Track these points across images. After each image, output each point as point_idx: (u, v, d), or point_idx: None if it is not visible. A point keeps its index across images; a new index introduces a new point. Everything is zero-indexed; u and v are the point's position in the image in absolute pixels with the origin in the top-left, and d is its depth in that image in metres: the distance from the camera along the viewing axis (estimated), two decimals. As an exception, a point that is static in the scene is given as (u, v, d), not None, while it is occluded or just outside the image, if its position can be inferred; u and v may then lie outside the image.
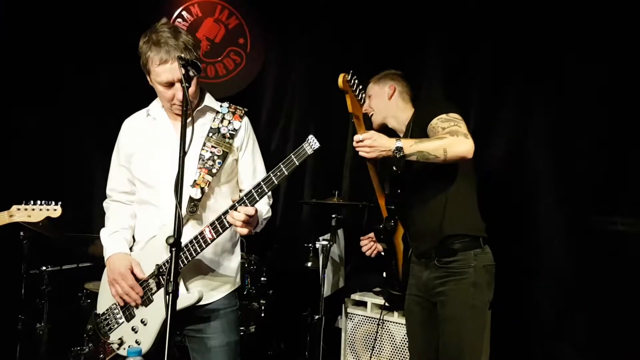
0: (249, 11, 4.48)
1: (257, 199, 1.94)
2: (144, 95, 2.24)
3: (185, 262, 2.02)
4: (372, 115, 2.67)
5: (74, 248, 3.57)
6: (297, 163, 1.89)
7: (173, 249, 1.63)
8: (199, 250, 2.02)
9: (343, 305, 3.67)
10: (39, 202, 2.45)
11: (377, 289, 3.61)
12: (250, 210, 1.93)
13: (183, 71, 1.85)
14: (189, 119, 1.78)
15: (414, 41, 3.85)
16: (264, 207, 2.18)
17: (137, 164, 2.19)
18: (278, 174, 1.90)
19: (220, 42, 4.41)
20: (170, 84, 2.03)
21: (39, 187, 2.59)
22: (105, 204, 2.34)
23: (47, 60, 4.13)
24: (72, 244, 3.55)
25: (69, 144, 4.33)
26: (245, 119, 2.24)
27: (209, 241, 2.01)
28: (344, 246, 3.72)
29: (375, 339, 3.44)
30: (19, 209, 2.44)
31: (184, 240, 1.92)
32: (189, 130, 1.75)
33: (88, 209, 4.22)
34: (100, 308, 2.23)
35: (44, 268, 3.49)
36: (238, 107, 2.25)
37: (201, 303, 2.09)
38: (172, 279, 1.59)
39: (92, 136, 4.28)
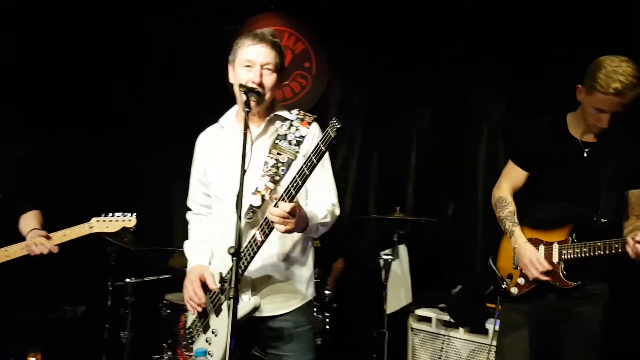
0: (314, 37, 4.67)
1: (294, 193, 1.89)
2: (219, 111, 2.36)
3: (243, 267, 2.02)
4: None
5: (155, 261, 3.77)
6: (323, 149, 1.86)
7: (234, 259, 1.74)
8: (252, 254, 2.02)
9: (408, 320, 3.69)
10: (116, 213, 2.62)
11: (442, 305, 3.61)
12: (286, 206, 1.88)
13: (244, 97, 2.02)
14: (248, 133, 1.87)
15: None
16: (320, 211, 2.12)
17: (209, 176, 2.25)
18: (309, 164, 1.88)
19: (287, 66, 4.62)
20: (250, 66, 2.09)
21: (123, 204, 2.80)
22: (187, 216, 2.41)
23: (132, 82, 4.52)
24: (153, 257, 3.75)
25: (152, 162, 4.69)
26: (314, 125, 2.19)
27: (260, 243, 2.00)
28: (407, 262, 3.75)
29: (440, 356, 3.43)
30: (97, 221, 2.59)
31: (243, 247, 1.99)
32: (249, 148, 1.86)
33: (168, 224, 4.56)
34: (189, 320, 2.27)
35: (128, 280, 3.73)
36: (308, 114, 2.21)
37: (272, 314, 2.12)
38: (232, 286, 1.70)
39: (171, 154, 4.58)
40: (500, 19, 3.80)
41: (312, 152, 1.88)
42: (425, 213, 3.59)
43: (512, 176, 2.62)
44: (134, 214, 2.62)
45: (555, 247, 2.41)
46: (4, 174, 2.60)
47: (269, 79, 2.12)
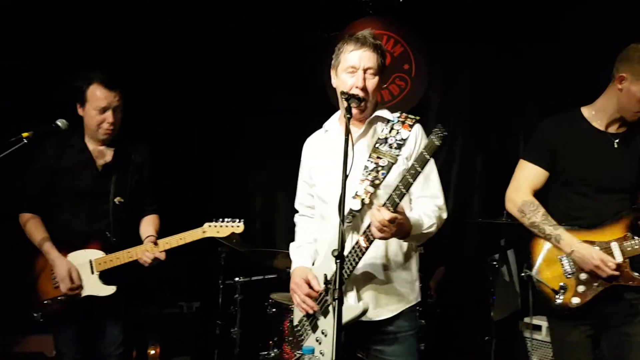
0: (413, 38, 4.63)
1: (398, 201, 1.89)
2: (323, 116, 2.43)
3: (348, 272, 2.06)
4: None
5: (261, 261, 3.92)
6: (428, 157, 1.84)
7: (337, 261, 1.78)
8: (357, 259, 2.04)
9: (517, 328, 3.56)
10: (226, 219, 2.77)
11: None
12: (386, 214, 1.88)
13: (345, 104, 2.06)
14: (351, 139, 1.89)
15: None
16: (427, 220, 2.09)
17: (314, 179, 2.30)
18: (413, 172, 1.87)
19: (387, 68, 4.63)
20: (353, 71, 2.12)
21: (232, 209, 2.96)
22: (295, 217, 2.47)
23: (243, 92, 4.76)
24: (260, 258, 3.91)
25: (256, 171, 4.92)
26: (416, 127, 2.17)
27: (364, 249, 2.02)
28: (515, 268, 3.62)
29: (552, 365, 3.28)
30: (210, 226, 2.76)
31: (346, 251, 2.00)
32: (350, 152, 1.89)
33: (272, 227, 4.75)
34: (295, 319, 2.31)
35: (237, 279, 3.92)
36: (409, 116, 2.19)
37: (377, 318, 2.13)
38: (337, 287, 1.74)
39: (275, 162, 4.78)
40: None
41: (415, 161, 1.87)
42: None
43: (531, 178, 2.45)
44: (242, 220, 2.76)
45: (615, 245, 2.25)
46: (124, 181, 2.82)
47: (372, 82, 2.15)
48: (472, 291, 3.75)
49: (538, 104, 4.05)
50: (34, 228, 2.74)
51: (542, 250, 2.39)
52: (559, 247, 2.34)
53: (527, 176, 2.47)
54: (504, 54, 4.13)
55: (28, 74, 3.74)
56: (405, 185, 1.89)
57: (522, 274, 2.41)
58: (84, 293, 2.72)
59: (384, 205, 1.92)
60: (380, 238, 1.95)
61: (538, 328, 3.45)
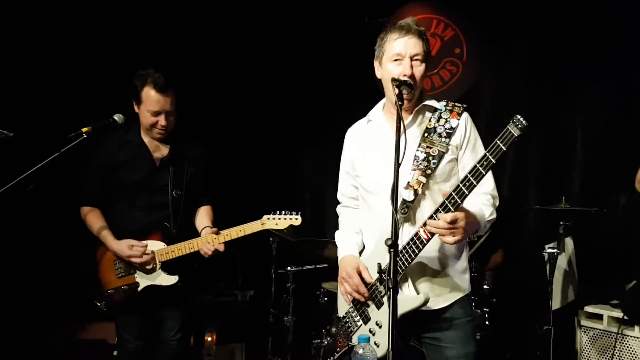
0: (464, 21, 4.51)
1: (467, 193, 1.85)
2: (369, 106, 2.41)
3: (406, 263, 2.03)
4: None
5: (312, 251, 3.95)
6: (504, 148, 1.75)
7: (391, 250, 1.75)
8: (416, 251, 2.01)
9: (576, 317, 3.45)
10: (284, 212, 2.80)
11: (615, 302, 3.33)
12: (446, 217, 1.84)
13: (397, 91, 2.01)
14: (402, 129, 1.83)
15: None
16: (486, 209, 2.06)
17: (358, 169, 2.27)
18: (485, 163, 1.80)
19: (436, 55, 4.54)
20: (399, 59, 2.07)
21: (284, 201, 3.00)
22: (337, 208, 2.47)
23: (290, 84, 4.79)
24: (310, 248, 3.93)
25: (307, 164, 4.98)
26: (465, 115, 2.14)
27: (425, 242, 1.99)
28: (574, 255, 3.50)
29: (613, 355, 3.16)
30: (268, 218, 2.80)
31: (400, 243, 1.98)
32: (402, 143, 1.82)
33: (322, 217, 4.78)
34: (341, 311, 2.30)
35: (288, 268, 3.98)
36: (457, 104, 2.17)
37: (433, 307, 2.09)
38: (391, 277, 1.71)
39: (322, 152, 4.79)
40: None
41: (489, 151, 1.80)
42: (594, 203, 3.30)
43: None
44: (299, 213, 2.80)
45: None
46: (180, 174, 2.89)
47: (419, 69, 2.10)
48: (529, 280, 3.66)
49: (597, 86, 3.85)
50: (94, 220, 2.85)
51: None
52: None
53: None
54: (561, 34, 3.95)
55: (85, 71, 3.88)
56: (477, 176, 1.83)
57: None
58: (148, 283, 2.81)
59: (443, 206, 1.88)
60: (455, 242, 1.91)
61: (599, 317, 3.35)
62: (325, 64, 4.74)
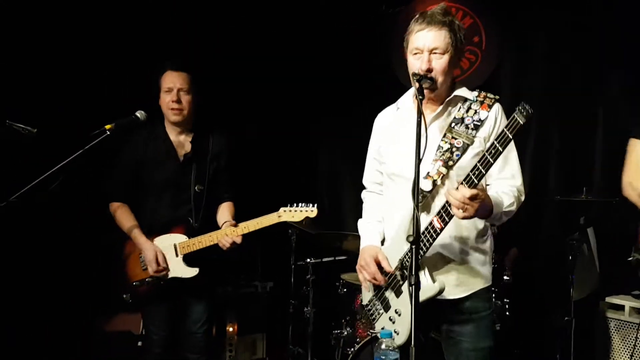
0: (483, 9, 4.45)
1: (476, 181, 1.85)
2: (387, 94, 2.42)
3: (421, 253, 2.01)
4: None
5: (331, 243, 3.96)
6: (510, 136, 1.77)
7: (413, 247, 1.75)
8: (431, 240, 2.01)
9: (597, 308, 3.44)
10: (300, 204, 2.83)
11: (637, 292, 3.31)
12: (466, 192, 1.83)
13: (417, 85, 2.00)
14: (423, 124, 1.85)
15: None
16: (506, 198, 2.04)
17: (384, 157, 2.28)
18: (493, 151, 1.81)
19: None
20: (418, 52, 2.06)
21: (303, 194, 3.02)
22: (362, 194, 2.47)
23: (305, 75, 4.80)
24: (329, 240, 3.95)
25: (324, 154, 5.01)
26: (495, 107, 2.10)
27: (439, 230, 1.99)
28: (595, 246, 3.48)
29: (635, 346, 3.15)
30: (285, 211, 2.83)
31: None
32: (423, 137, 1.84)
33: (340, 210, 4.80)
34: (365, 299, 2.33)
35: (308, 260, 3.99)
36: (489, 95, 2.12)
37: (450, 297, 2.10)
38: (413, 273, 1.72)
39: (343, 145, 4.79)
40: None
41: (497, 139, 1.81)
42: (616, 194, 3.26)
43: None
44: (316, 205, 2.82)
45: None
46: (203, 170, 2.94)
47: (439, 62, 2.06)
48: (550, 271, 3.64)
49: (618, 75, 3.78)
50: (124, 216, 2.92)
51: None
52: None
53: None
54: (582, 21, 3.87)
55: (107, 69, 3.91)
56: (485, 165, 1.84)
57: (630, 258, 2.28)
58: (170, 275, 2.86)
59: (462, 183, 1.87)
60: (463, 217, 1.90)
61: (621, 308, 3.33)
62: (341, 55, 4.71)
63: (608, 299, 3.40)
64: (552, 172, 4.04)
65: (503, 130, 1.79)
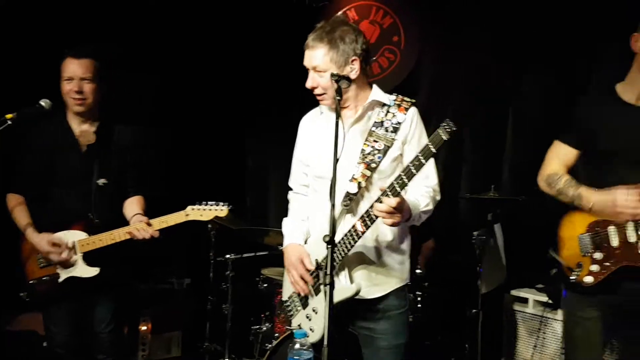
0: (403, 9, 4.55)
1: (399, 190, 1.93)
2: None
3: (342, 255, 2.10)
4: None
5: (252, 238, 3.95)
6: (434, 150, 1.85)
7: (329, 247, 1.80)
8: (352, 243, 2.07)
9: (503, 301, 3.62)
10: (210, 202, 2.68)
11: (540, 286, 3.51)
12: (391, 201, 1.90)
13: (336, 86, 2.04)
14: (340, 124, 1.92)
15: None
16: (422, 200, 2.13)
17: (308, 158, 2.33)
18: (416, 163, 1.89)
19: (375, 42, 4.56)
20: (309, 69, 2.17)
21: (227, 189, 2.95)
22: (289, 195, 2.49)
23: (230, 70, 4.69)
24: (251, 235, 3.93)
25: (251, 152, 4.94)
26: (412, 111, 2.18)
27: (360, 234, 2.05)
28: (502, 242, 3.66)
29: (538, 337, 3.36)
30: (193, 209, 2.68)
31: (340, 234, 2.06)
32: (340, 137, 1.90)
33: (264, 206, 4.76)
34: (285, 295, 2.36)
35: (227, 256, 3.95)
36: (405, 99, 2.21)
37: (367, 297, 2.17)
38: (328, 273, 1.76)
39: (269, 145, 4.76)
40: None
41: (420, 152, 1.88)
42: (523, 191, 3.45)
43: (560, 155, 2.41)
44: (226, 204, 2.68)
45: (630, 225, 2.18)
46: (109, 162, 2.78)
47: (321, 80, 2.16)
48: (460, 265, 3.80)
49: (530, 75, 3.94)
50: (20, 214, 2.75)
51: (564, 229, 2.38)
52: (582, 207, 2.28)
53: (557, 153, 2.43)
54: (499, 21, 3.99)
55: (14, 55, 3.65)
56: (408, 176, 1.91)
57: (548, 255, 2.41)
58: (68, 274, 2.71)
59: (385, 194, 1.94)
60: (392, 225, 1.98)
61: (524, 300, 3.53)
62: (265, 50, 4.67)
63: (513, 292, 3.60)
64: (465, 170, 4.19)
65: (427, 145, 1.86)
